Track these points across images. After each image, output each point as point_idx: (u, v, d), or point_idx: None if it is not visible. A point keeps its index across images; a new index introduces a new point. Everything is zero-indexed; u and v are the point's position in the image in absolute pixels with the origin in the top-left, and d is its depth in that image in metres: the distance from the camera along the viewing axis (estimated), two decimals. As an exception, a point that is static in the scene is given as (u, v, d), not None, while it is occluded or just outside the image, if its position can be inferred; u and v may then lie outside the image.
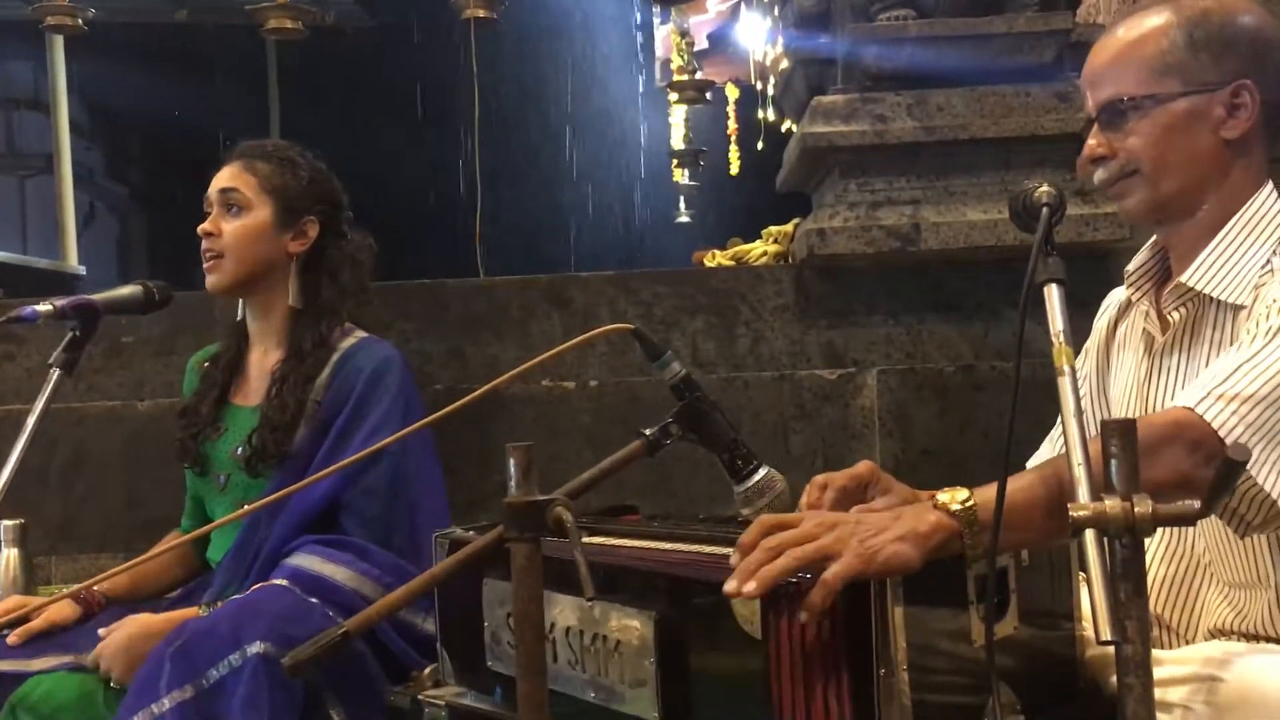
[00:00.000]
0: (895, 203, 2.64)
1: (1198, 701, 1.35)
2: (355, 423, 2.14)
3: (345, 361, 2.19)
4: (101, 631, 2.00)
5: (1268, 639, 1.50)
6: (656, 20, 6.53)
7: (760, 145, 5.69)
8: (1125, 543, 1.10)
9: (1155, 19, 1.56)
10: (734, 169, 6.70)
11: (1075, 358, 1.27)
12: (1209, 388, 1.37)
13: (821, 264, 2.69)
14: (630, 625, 1.42)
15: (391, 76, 7.31)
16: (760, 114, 5.87)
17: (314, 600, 1.96)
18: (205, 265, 2.22)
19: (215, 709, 1.81)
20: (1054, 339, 1.27)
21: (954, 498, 1.29)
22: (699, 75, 5.62)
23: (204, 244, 2.21)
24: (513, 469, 1.22)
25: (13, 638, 2.03)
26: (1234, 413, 1.34)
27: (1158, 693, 1.14)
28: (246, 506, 2.11)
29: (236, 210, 2.21)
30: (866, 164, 2.66)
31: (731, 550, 1.31)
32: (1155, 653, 1.23)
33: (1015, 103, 2.63)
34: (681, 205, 7.40)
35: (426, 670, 1.82)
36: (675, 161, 6.79)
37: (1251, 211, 1.55)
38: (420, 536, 2.07)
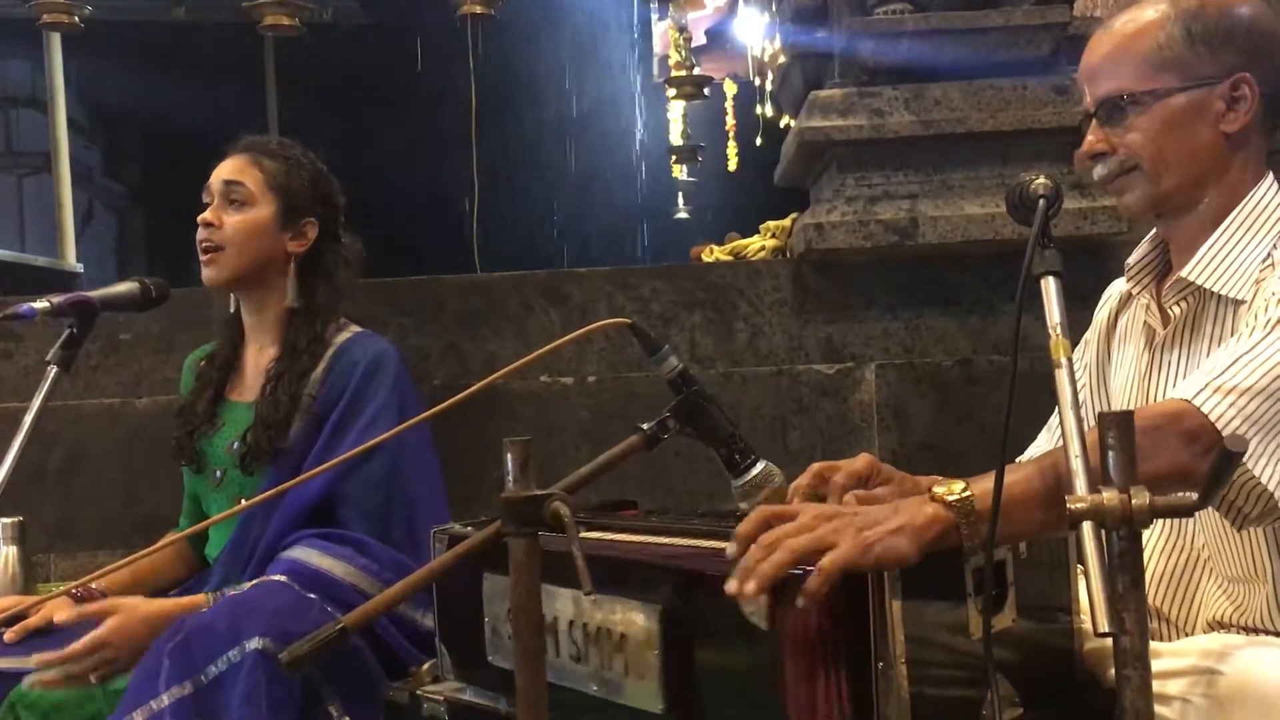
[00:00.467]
0: (893, 197, 2.64)
1: (1196, 694, 1.35)
2: (351, 416, 2.13)
3: (340, 356, 2.18)
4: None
5: (1266, 633, 1.50)
6: (654, 16, 6.52)
7: (758, 140, 5.69)
8: (1123, 534, 1.09)
9: (1152, 12, 1.55)
10: (732, 164, 6.69)
11: (1073, 350, 1.26)
12: (1207, 380, 1.37)
13: (819, 259, 2.69)
14: (634, 618, 1.42)
15: (389, 73, 7.31)
16: (758, 109, 5.86)
17: (312, 595, 1.97)
18: (203, 257, 2.19)
19: (214, 705, 1.81)
20: (1051, 331, 1.27)
21: (950, 490, 1.28)
22: (697, 71, 5.61)
23: (202, 233, 2.19)
24: (510, 464, 1.22)
25: (9, 635, 2.03)
26: (1231, 405, 1.34)
27: (1156, 685, 1.14)
28: (243, 502, 2.10)
29: (239, 204, 2.19)
30: (864, 158, 2.66)
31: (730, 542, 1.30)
32: (1153, 645, 1.23)
33: (1012, 96, 2.63)
34: (680, 201, 7.40)
35: (425, 666, 1.81)
36: (673, 157, 6.78)
37: (1252, 205, 1.55)
38: (418, 531, 2.07)
